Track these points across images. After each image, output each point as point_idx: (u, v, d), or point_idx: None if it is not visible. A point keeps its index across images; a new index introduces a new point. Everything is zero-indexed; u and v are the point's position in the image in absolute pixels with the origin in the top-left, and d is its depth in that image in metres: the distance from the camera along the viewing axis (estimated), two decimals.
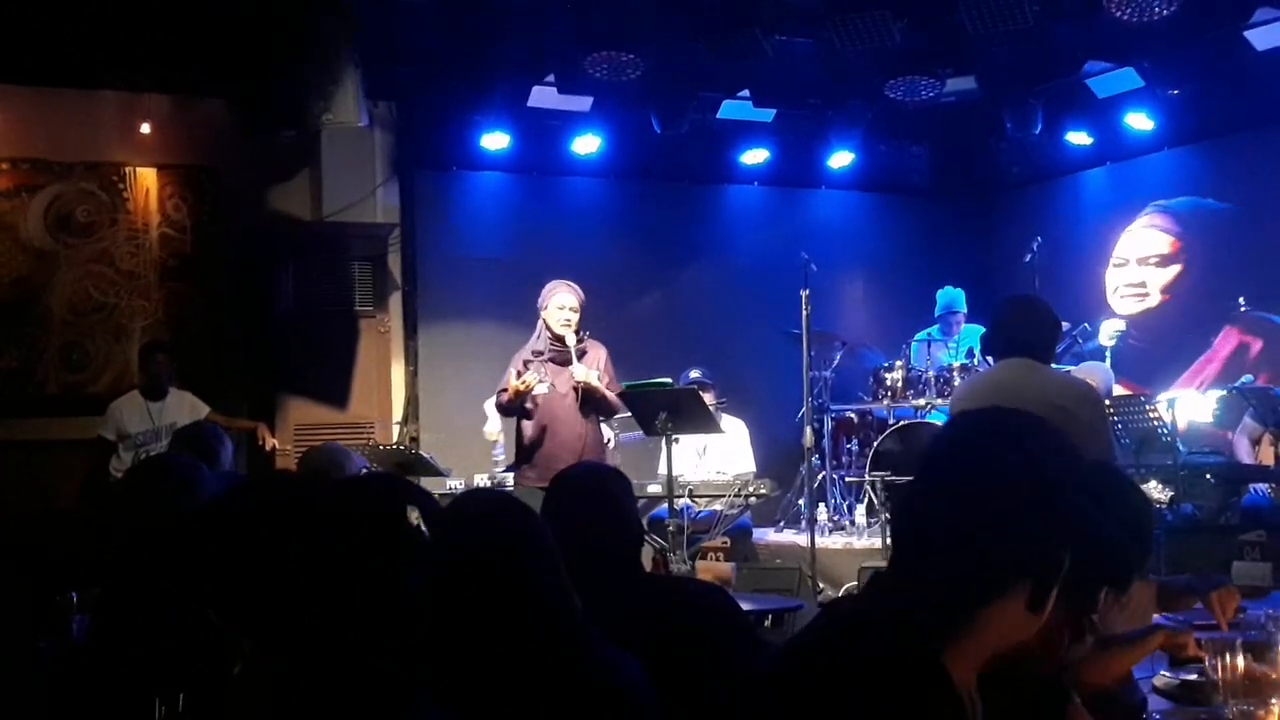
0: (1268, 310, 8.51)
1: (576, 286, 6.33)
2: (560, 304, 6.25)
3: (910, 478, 1.56)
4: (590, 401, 6.25)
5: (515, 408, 6.31)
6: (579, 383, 6.18)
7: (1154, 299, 9.41)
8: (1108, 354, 8.87)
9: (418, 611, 1.94)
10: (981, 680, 1.50)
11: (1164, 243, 9.37)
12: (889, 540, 7.18)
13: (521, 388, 6.16)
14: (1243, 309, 8.57)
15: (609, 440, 7.37)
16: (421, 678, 1.90)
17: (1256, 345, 8.67)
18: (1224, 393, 8.03)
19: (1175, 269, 9.30)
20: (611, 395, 6.30)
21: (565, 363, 6.22)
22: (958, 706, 1.43)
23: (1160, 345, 9.23)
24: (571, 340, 6.19)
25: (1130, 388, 8.64)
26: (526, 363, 6.30)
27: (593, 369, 6.24)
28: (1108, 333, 9.00)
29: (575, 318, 6.24)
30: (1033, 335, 4.44)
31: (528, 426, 6.32)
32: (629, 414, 6.73)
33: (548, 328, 6.28)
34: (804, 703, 1.42)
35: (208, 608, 2.18)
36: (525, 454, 6.34)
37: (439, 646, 1.95)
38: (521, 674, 1.94)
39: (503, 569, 1.96)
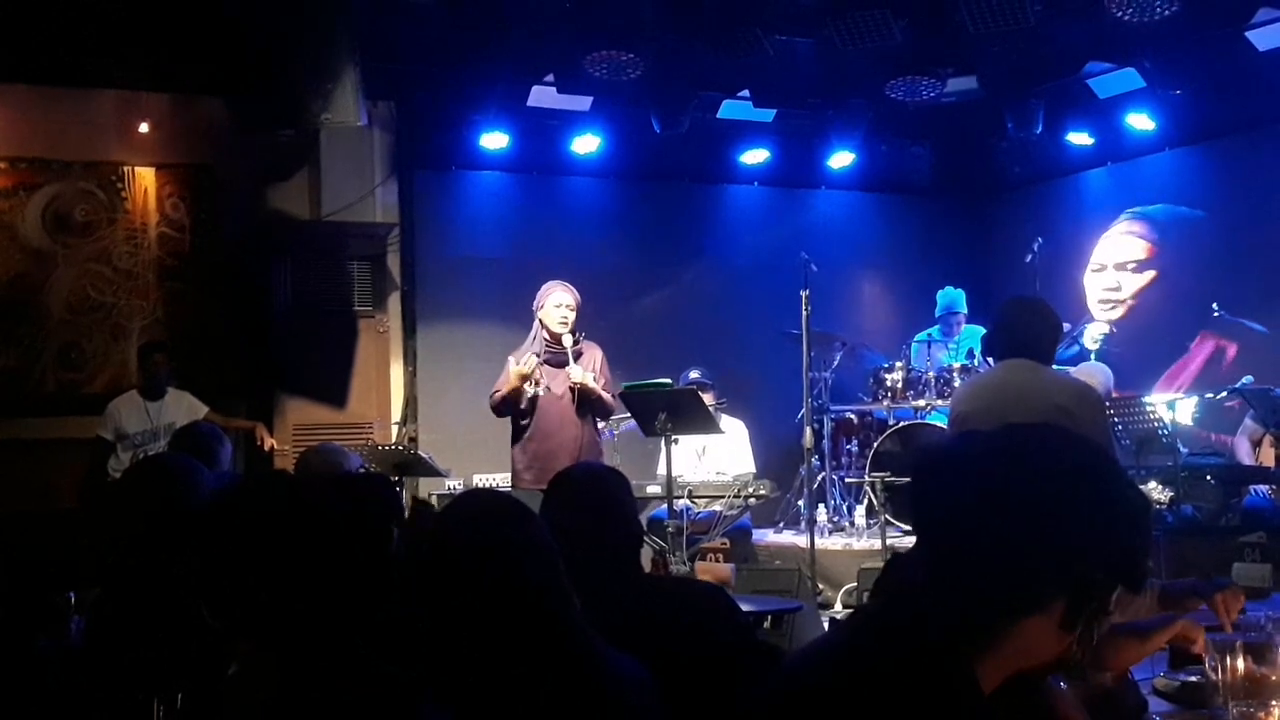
0: (1242, 315, 8.51)
1: (572, 286, 6.27)
2: (557, 302, 6.18)
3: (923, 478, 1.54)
4: (586, 403, 6.19)
5: (510, 407, 6.25)
6: (575, 383, 6.12)
7: (1130, 304, 9.44)
8: (1092, 358, 8.86)
9: (416, 613, 1.94)
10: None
11: (1140, 248, 9.40)
12: (890, 541, 7.21)
13: (526, 370, 6.09)
14: (1216, 314, 8.57)
15: (605, 428, 7.31)
16: (422, 679, 1.89)
17: (1232, 350, 8.67)
18: (1222, 394, 8.02)
19: (1150, 274, 9.33)
20: (608, 396, 6.24)
21: (561, 364, 6.16)
22: (986, 718, 1.42)
23: (1138, 349, 9.24)
24: (568, 341, 6.12)
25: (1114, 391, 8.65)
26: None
27: (589, 370, 6.18)
28: (1092, 336, 8.99)
29: (572, 316, 6.17)
30: (1034, 336, 4.43)
31: (523, 428, 6.26)
32: (626, 415, 6.70)
33: (544, 328, 6.22)
34: (831, 708, 1.41)
35: (204, 607, 2.18)
36: (521, 456, 6.28)
37: (439, 648, 1.94)
38: (521, 676, 1.93)
39: (502, 570, 1.95)
